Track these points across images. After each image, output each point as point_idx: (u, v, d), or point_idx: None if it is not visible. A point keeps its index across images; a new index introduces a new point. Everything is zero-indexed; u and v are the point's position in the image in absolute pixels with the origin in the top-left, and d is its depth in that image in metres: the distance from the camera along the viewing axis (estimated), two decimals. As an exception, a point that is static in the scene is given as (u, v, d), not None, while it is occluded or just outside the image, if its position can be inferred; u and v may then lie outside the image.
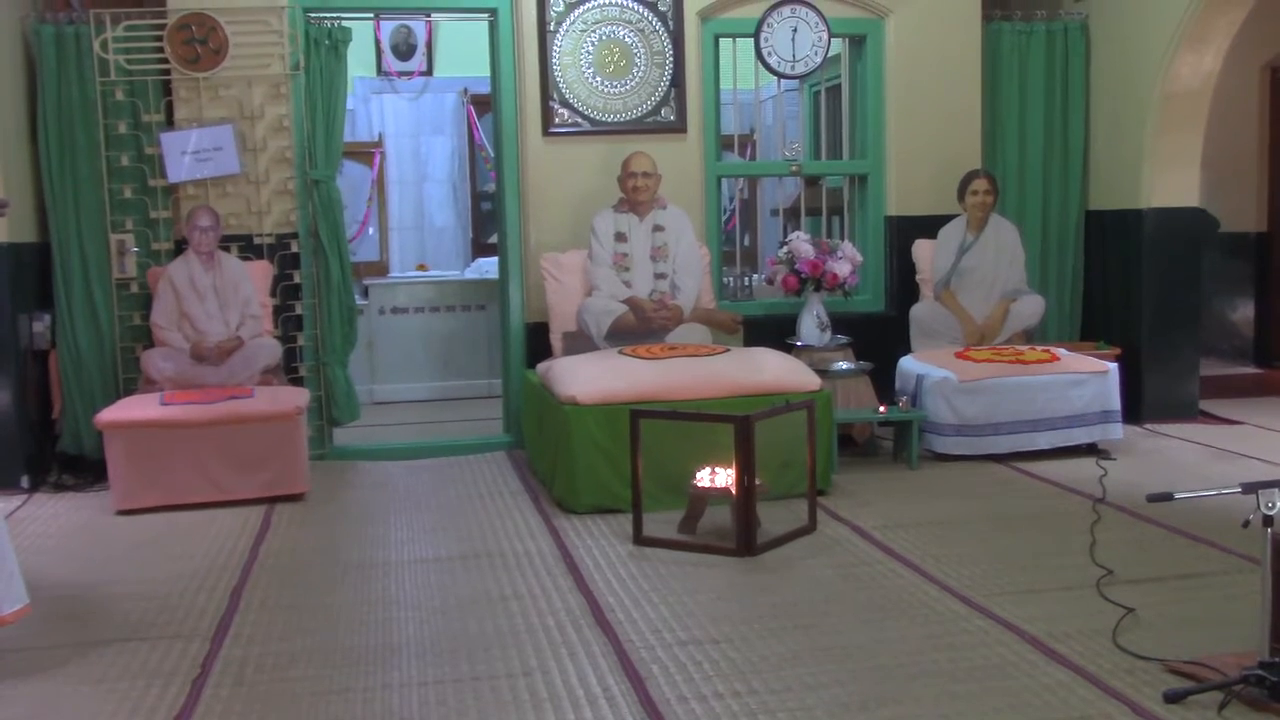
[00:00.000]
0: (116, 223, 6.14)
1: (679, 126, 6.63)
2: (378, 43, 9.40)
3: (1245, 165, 8.07)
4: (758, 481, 4.44)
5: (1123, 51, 6.88)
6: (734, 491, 4.46)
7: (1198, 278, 6.91)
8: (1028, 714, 2.96)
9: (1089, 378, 5.96)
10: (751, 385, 5.24)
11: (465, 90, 9.52)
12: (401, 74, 9.52)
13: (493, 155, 7.73)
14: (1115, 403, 6.00)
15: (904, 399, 5.96)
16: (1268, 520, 2.88)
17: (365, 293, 8.52)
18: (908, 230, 6.88)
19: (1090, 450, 5.99)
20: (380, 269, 9.31)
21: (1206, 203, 7.03)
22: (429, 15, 7.75)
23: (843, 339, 6.47)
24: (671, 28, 6.60)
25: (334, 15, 6.37)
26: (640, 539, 4.59)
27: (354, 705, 3.13)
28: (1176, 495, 3.04)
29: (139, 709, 3.13)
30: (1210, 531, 4.49)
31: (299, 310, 6.35)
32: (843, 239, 6.92)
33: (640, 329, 5.92)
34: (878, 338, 6.69)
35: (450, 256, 9.71)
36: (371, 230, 9.44)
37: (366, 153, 9.31)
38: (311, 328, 6.37)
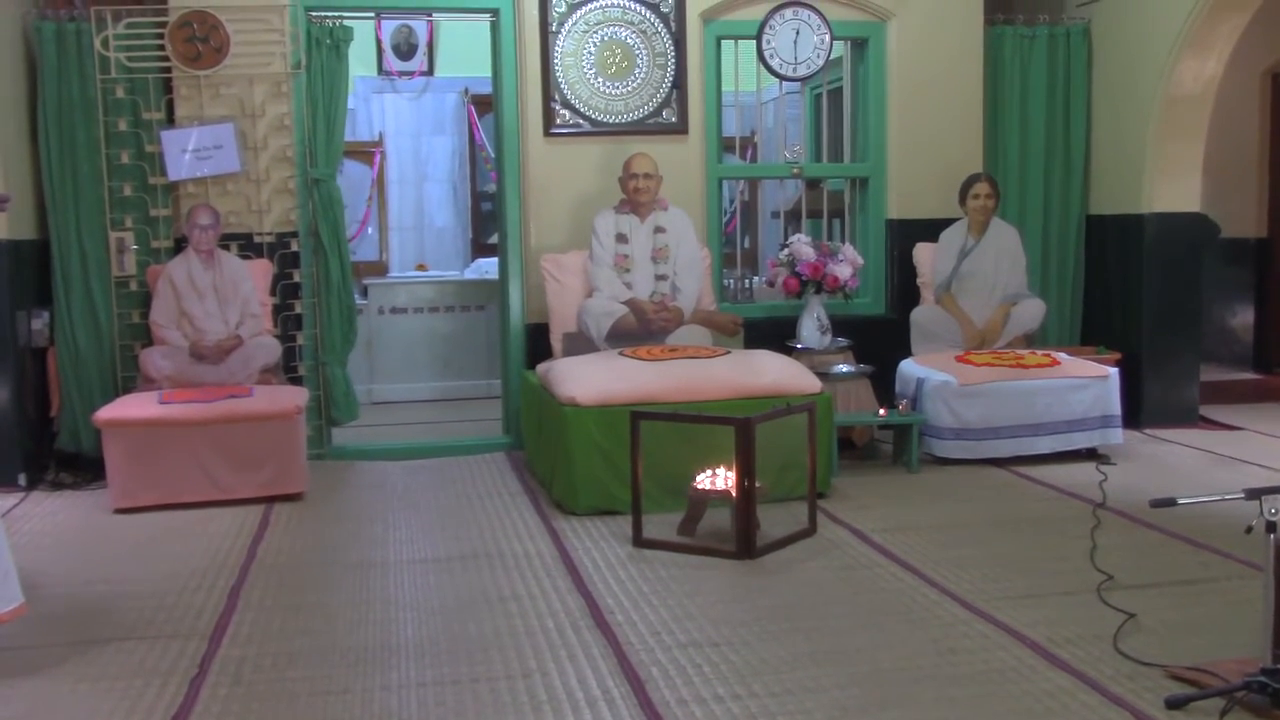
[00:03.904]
0: (116, 220, 6.13)
1: (680, 128, 6.63)
2: (379, 42, 9.40)
3: (1246, 171, 8.07)
4: (758, 484, 4.43)
5: (1125, 56, 6.88)
6: (734, 494, 4.45)
7: (1198, 283, 6.90)
8: None
9: (1089, 382, 5.95)
10: (752, 387, 5.23)
11: (466, 90, 9.52)
12: (402, 74, 9.52)
13: (493, 155, 7.72)
14: (1115, 407, 6.00)
15: (904, 402, 5.96)
16: (1270, 526, 2.86)
17: (365, 292, 8.50)
18: (909, 233, 6.88)
19: (1090, 455, 5.98)
20: (380, 269, 9.30)
21: (1207, 208, 7.02)
22: (430, 15, 7.75)
23: (843, 342, 6.46)
24: (673, 29, 6.59)
25: (335, 14, 6.36)
26: (640, 541, 4.58)
27: (352, 706, 3.12)
28: (1180, 500, 3.02)
29: (137, 708, 3.12)
30: (1211, 537, 4.49)
31: (298, 309, 6.34)
32: (843, 242, 6.92)
33: (640, 330, 5.90)
34: (878, 341, 6.68)
35: (450, 256, 9.70)
36: (371, 230, 9.43)
37: (367, 152, 9.31)
38: (311, 327, 6.36)
